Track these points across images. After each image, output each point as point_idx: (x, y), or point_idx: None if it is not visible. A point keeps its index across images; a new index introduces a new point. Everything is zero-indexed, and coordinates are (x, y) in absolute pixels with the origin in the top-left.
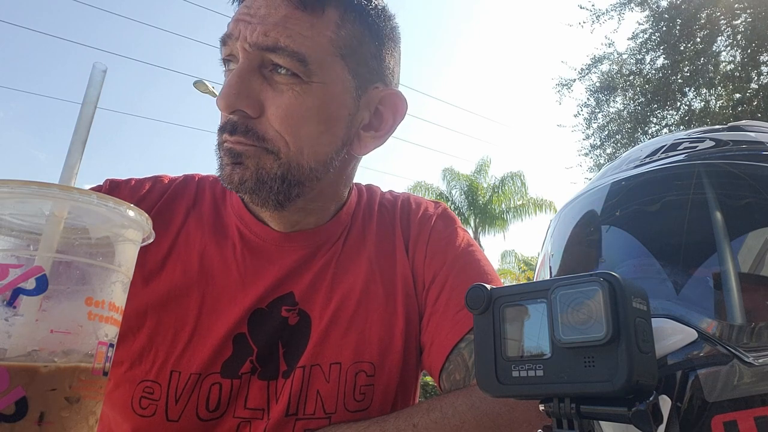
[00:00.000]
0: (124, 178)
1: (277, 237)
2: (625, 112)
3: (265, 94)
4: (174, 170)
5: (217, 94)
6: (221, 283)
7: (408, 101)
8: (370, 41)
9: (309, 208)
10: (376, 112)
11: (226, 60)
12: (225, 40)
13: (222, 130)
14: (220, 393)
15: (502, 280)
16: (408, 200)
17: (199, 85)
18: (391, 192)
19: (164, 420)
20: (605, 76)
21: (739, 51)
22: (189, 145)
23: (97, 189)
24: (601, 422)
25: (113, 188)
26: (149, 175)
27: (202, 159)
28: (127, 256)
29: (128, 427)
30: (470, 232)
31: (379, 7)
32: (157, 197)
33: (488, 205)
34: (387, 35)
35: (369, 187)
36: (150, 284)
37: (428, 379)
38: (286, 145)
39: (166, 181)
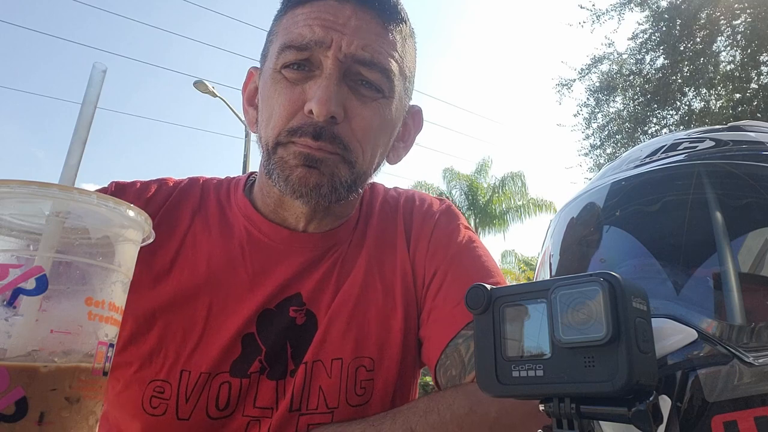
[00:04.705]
0: (129, 181)
1: (286, 237)
2: (625, 112)
3: (350, 103)
4: (170, 169)
5: (218, 94)
6: (229, 284)
7: None
8: (415, 62)
9: (335, 211)
10: (404, 124)
11: (295, 64)
12: (307, 46)
13: (299, 132)
14: (229, 392)
15: None
16: (412, 196)
17: (199, 85)
18: (396, 189)
19: (175, 419)
20: (605, 76)
21: (739, 51)
22: (187, 144)
23: (103, 191)
24: (601, 422)
25: (119, 191)
26: (154, 178)
27: (199, 158)
28: (127, 256)
29: (138, 426)
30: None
31: (414, 30)
32: (163, 200)
33: (488, 205)
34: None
35: (372, 185)
36: (158, 287)
37: (428, 378)
38: (362, 155)
39: (171, 184)
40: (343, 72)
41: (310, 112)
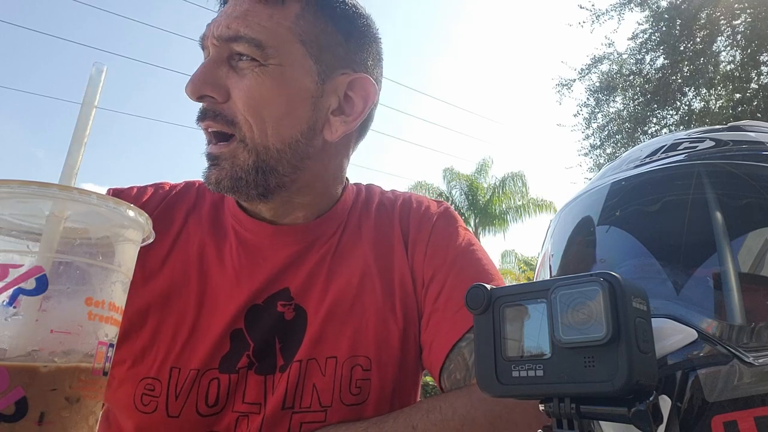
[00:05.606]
0: (126, 187)
1: (270, 232)
2: (624, 112)
3: (231, 80)
4: (169, 168)
5: None
6: (218, 281)
7: (407, 100)
8: (336, 31)
9: (296, 202)
10: (346, 98)
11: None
12: (201, 43)
13: (196, 120)
14: (218, 388)
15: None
16: (409, 199)
17: None
18: (393, 191)
19: (165, 416)
20: (605, 76)
21: (739, 51)
22: (187, 144)
23: None
24: (601, 422)
25: (116, 196)
26: (151, 183)
27: (199, 158)
28: (127, 256)
29: (131, 424)
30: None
31: (349, 4)
32: (158, 202)
33: (489, 205)
34: (358, 29)
35: (369, 186)
36: (150, 284)
37: (428, 378)
38: (250, 128)
39: (167, 188)
40: (225, 56)
41: None
